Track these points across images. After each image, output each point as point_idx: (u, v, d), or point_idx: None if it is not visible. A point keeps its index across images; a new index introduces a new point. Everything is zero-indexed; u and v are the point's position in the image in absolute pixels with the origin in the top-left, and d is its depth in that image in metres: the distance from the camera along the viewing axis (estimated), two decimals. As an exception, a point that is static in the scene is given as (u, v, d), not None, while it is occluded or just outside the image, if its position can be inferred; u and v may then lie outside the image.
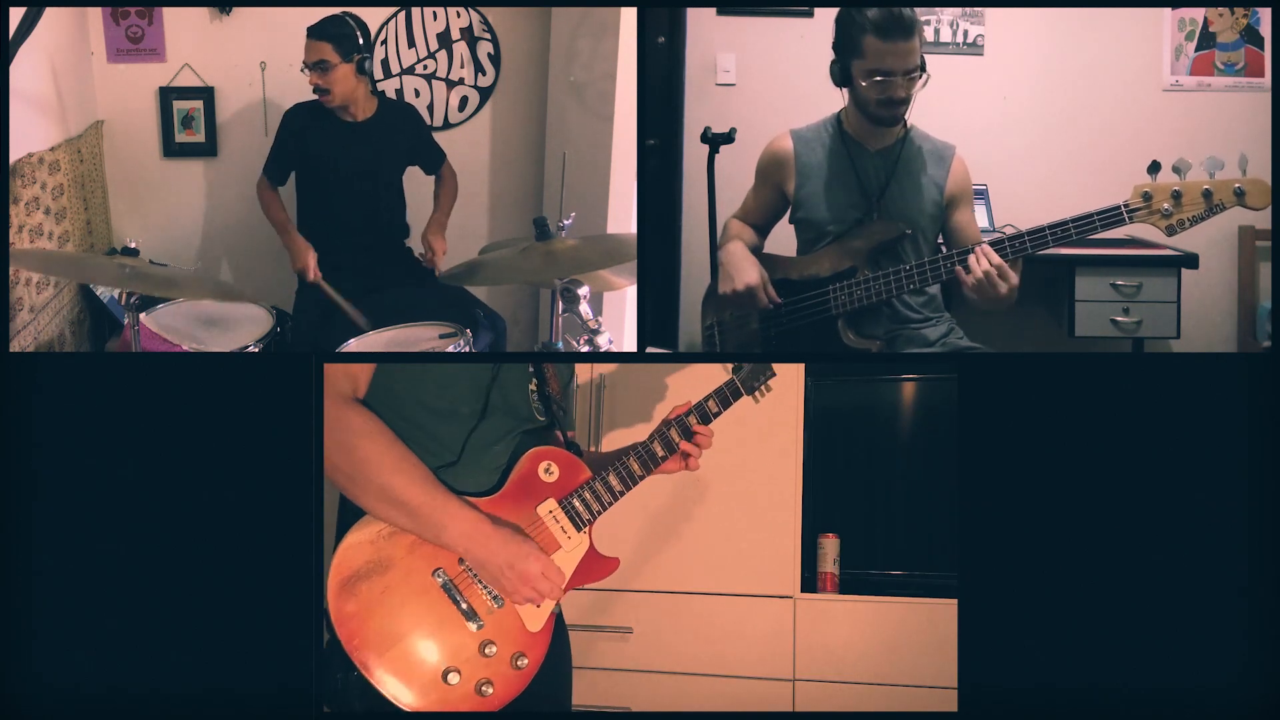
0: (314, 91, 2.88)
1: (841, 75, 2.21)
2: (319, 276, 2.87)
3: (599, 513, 1.39)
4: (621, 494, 1.41)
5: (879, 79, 2.13)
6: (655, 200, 3.31)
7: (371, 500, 1.31)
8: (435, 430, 1.37)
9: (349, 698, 1.26)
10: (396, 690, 1.26)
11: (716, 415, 1.49)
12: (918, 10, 2.13)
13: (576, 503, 1.38)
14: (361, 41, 2.89)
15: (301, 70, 2.86)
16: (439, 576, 1.31)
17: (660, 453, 1.43)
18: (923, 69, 2.14)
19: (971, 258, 2.07)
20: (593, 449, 2.44)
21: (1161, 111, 3.34)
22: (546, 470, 1.38)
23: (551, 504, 1.37)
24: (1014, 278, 2.06)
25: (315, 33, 2.84)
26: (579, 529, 1.38)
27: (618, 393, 2.46)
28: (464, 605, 1.31)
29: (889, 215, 2.25)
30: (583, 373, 2.49)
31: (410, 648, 1.28)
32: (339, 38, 2.84)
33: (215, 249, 3.40)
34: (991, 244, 2.08)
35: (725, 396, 1.49)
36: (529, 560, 1.33)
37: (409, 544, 1.31)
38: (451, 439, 1.36)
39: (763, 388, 1.52)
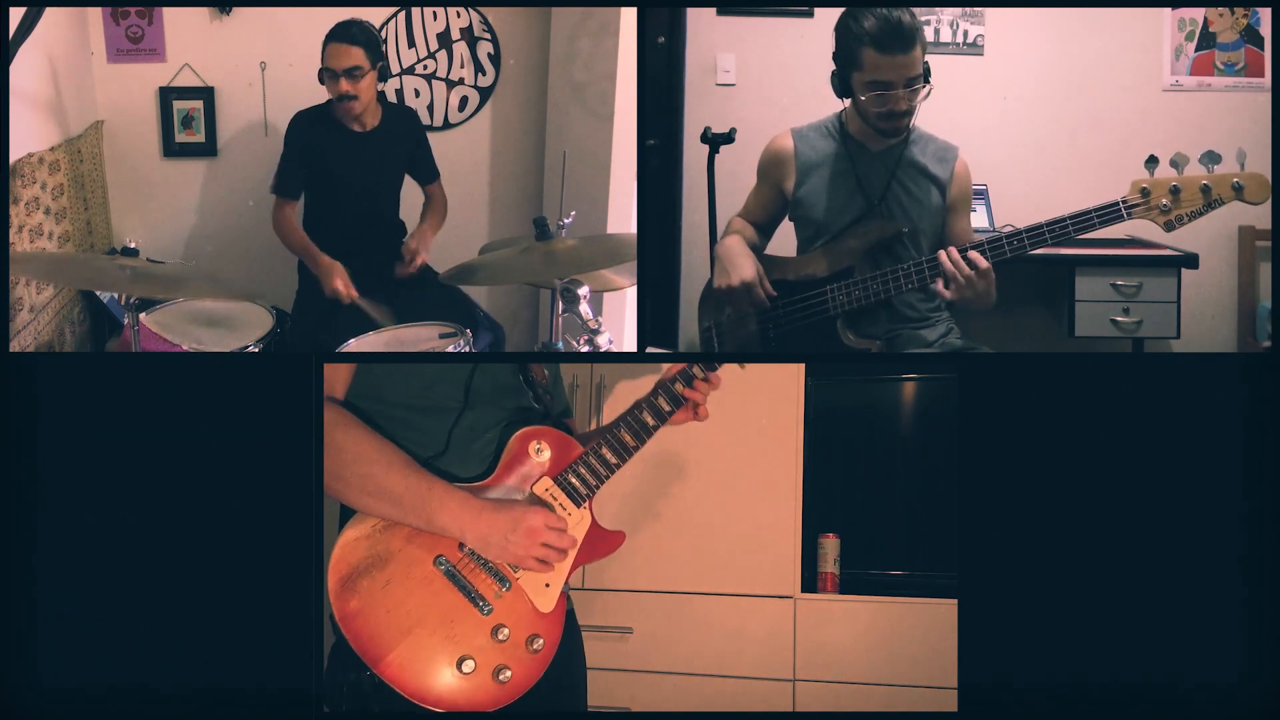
0: (339, 99, 2.81)
1: (842, 87, 2.19)
2: (354, 295, 2.75)
3: (597, 487, 1.36)
4: (617, 466, 1.37)
5: (878, 92, 2.12)
6: (655, 200, 3.31)
7: (355, 494, 1.27)
8: (420, 424, 1.35)
9: (363, 698, 1.22)
10: (411, 685, 1.22)
11: (720, 364, 1.44)
12: (918, 12, 2.12)
13: (572, 478, 1.35)
14: (382, 49, 2.88)
15: (325, 77, 2.80)
16: (441, 564, 1.27)
17: (651, 421, 1.40)
18: (926, 79, 2.13)
19: (945, 262, 2.06)
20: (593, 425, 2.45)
21: (1162, 111, 3.34)
22: (537, 450, 1.36)
23: (547, 482, 1.34)
24: (986, 268, 2.05)
25: (345, 37, 2.78)
26: (579, 504, 1.35)
27: (619, 393, 2.46)
28: (470, 591, 1.28)
29: (890, 216, 2.25)
30: (582, 373, 2.49)
31: (420, 640, 1.24)
32: (369, 44, 2.80)
33: (215, 249, 3.40)
34: (989, 243, 2.07)
35: None
36: (529, 516, 1.29)
37: (406, 534, 1.28)
38: (437, 431, 1.34)
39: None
